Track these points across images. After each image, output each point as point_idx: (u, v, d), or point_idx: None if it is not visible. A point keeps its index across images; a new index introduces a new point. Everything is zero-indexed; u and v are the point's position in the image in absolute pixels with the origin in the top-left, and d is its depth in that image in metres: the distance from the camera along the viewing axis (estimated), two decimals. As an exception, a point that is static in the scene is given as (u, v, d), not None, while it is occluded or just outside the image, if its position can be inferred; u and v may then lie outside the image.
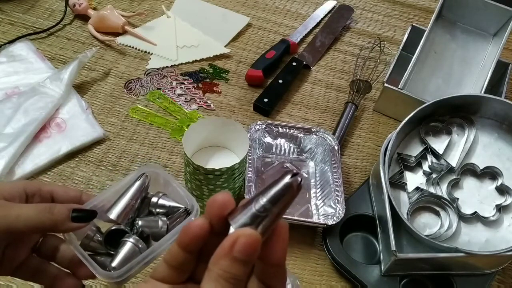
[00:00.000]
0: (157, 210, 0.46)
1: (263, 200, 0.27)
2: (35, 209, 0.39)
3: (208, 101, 0.83)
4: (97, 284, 0.60)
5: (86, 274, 0.43)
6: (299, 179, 0.28)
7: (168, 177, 0.47)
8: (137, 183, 0.45)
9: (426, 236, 0.60)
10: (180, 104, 0.82)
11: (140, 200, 0.45)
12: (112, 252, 0.43)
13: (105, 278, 0.41)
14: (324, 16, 1.03)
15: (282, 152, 0.75)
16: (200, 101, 0.83)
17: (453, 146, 0.68)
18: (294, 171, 0.28)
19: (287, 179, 0.27)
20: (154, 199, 0.46)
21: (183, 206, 0.46)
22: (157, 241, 0.43)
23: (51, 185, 0.44)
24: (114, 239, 0.43)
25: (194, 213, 0.45)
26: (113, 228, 0.44)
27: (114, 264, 0.41)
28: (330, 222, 0.64)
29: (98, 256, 0.43)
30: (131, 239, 0.42)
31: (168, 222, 0.45)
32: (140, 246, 0.42)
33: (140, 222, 0.44)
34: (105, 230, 0.44)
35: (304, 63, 0.90)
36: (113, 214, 0.43)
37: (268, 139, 0.75)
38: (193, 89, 0.85)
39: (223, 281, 0.27)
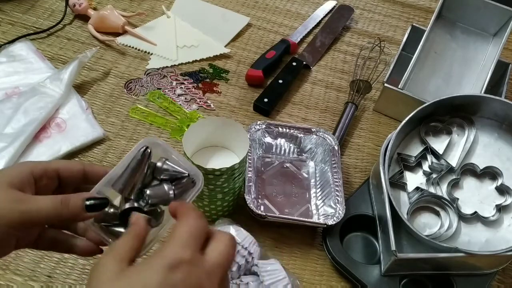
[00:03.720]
0: (162, 176, 0.45)
1: None
2: (52, 203, 0.40)
3: (208, 101, 0.83)
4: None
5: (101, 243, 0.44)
6: None
7: (168, 147, 0.47)
8: (139, 155, 0.45)
9: (426, 236, 0.60)
10: (180, 104, 0.82)
11: (144, 171, 0.45)
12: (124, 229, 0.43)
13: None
14: (324, 16, 1.03)
15: (282, 152, 0.75)
16: (200, 101, 0.83)
17: (453, 146, 0.68)
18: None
19: None
20: (159, 164, 0.45)
21: (187, 173, 0.46)
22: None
23: (56, 163, 0.45)
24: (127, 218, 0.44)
25: (200, 183, 0.45)
26: (127, 207, 0.44)
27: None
28: (330, 222, 0.64)
29: (113, 227, 0.43)
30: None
31: (174, 188, 0.45)
32: (152, 222, 0.43)
33: (148, 192, 0.44)
34: (115, 200, 0.45)
35: (304, 63, 0.90)
36: (118, 187, 0.43)
37: (268, 139, 0.75)
38: (193, 89, 0.85)
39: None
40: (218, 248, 0.37)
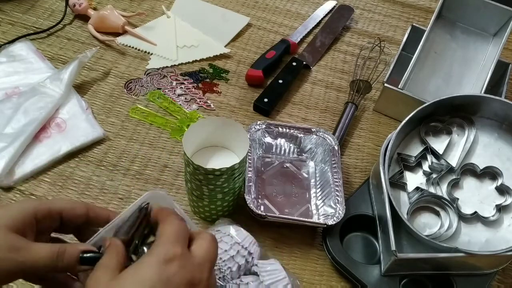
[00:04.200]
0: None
1: None
2: (49, 255, 0.40)
3: (208, 101, 0.83)
4: None
5: None
6: None
7: (171, 202, 0.47)
8: (137, 212, 0.44)
9: (426, 236, 0.60)
10: (180, 104, 0.82)
11: (141, 229, 0.44)
12: None
13: None
14: (324, 16, 1.03)
15: (282, 152, 0.75)
16: (200, 101, 0.83)
17: (453, 146, 0.68)
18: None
19: None
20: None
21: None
22: None
23: (60, 203, 0.44)
24: None
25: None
26: None
27: None
28: (330, 222, 0.64)
29: None
30: None
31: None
32: None
33: (145, 248, 0.43)
34: None
35: (304, 63, 0.90)
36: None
37: (268, 139, 0.75)
38: (193, 89, 0.85)
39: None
40: (202, 245, 0.40)
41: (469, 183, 0.66)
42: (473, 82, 0.84)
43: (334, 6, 1.05)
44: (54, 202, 0.44)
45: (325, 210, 0.67)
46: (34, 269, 0.40)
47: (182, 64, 0.89)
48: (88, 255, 0.41)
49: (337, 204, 0.66)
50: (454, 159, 0.67)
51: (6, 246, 0.39)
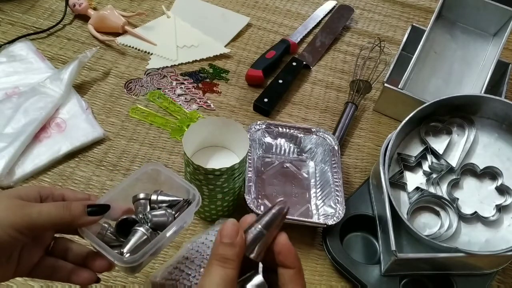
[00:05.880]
0: (159, 205, 0.49)
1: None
2: (54, 206, 0.42)
3: (208, 101, 0.83)
4: (98, 285, 0.60)
5: (101, 266, 0.45)
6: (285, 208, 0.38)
7: (169, 172, 0.50)
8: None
9: (426, 236, 0.60)
10: (180, 104, 0.82)
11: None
12: (123, 240, 0.46)
13: (121, 263, 0.44)
14: (324, 16, 1.03)
15: (282, 152, 0.75)
16: (200, 101, 0.83)
17: (453, 146, 0.68)
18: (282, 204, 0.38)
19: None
20: (153, 197, 0.49)
21: (182, 198, 0.49)
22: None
23: (62, 189, 0.47)
24: (124, 230, 0.47)
25: (195, 202, 0.48)
26: (124, 217, 0.47)
27: (125, 249, 0.45)
28: (330, 222, 0.64)
29: (112, 249, 0.46)
30: (141, 228, 0.46)
31: (173, 213, 0.48)
32: (149, 233, 0.46)
33: (150, 216, 0.47)
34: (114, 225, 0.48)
35: (304, 63, 0.90)
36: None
37: (268, 139, 0.75)
38: (193, 89, 0.85)
39: (215, 261, 0.36)
40: None
41: (469, 183, 0.66)
42: (473, 82, 0.84)
43: (334, 6, 1.05)
44: (56, 187, 0.47)
45: (325, 210, 0.67)
46: (39, 221, 0.40)
47: (182, 64, 0.89)
48: (95, 208, 0.44)
49: (337, 204, 0.66)
50: (454, 159, 0.67)
51: (12, 205, 0.40)
